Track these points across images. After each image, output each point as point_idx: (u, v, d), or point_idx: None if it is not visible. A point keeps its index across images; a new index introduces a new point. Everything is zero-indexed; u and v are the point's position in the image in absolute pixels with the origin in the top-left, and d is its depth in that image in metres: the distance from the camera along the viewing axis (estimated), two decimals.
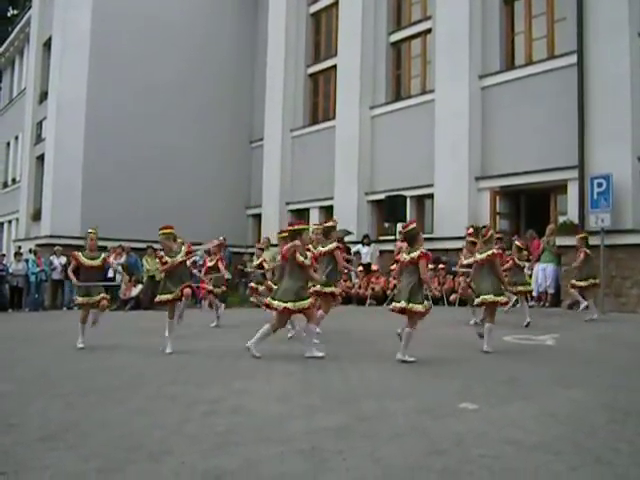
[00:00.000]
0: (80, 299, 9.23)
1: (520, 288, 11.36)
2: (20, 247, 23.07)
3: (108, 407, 5.31)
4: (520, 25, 18.11)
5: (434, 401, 5.32)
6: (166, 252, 8.71)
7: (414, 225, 7.84)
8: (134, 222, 21.89)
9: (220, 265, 12.02)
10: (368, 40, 21.76)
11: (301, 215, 24.45)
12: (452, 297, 15.60)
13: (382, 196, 19.91)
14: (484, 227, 9.68)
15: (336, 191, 22.14)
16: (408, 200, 18.92)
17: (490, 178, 17.71)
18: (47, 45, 26.61)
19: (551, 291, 14.96)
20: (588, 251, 12.25)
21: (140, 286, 18.49)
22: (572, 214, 15.45)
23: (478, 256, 8.64)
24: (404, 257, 7.59)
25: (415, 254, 7.42)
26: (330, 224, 9.71)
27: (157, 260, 9.13)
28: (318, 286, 8.80)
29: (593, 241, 14.40)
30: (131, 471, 3.63)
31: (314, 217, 23.63)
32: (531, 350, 8.49)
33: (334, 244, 9.23)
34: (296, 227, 8.21)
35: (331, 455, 3.85)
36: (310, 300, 7.95)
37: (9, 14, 39.79)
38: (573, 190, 15.55)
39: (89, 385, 6.35)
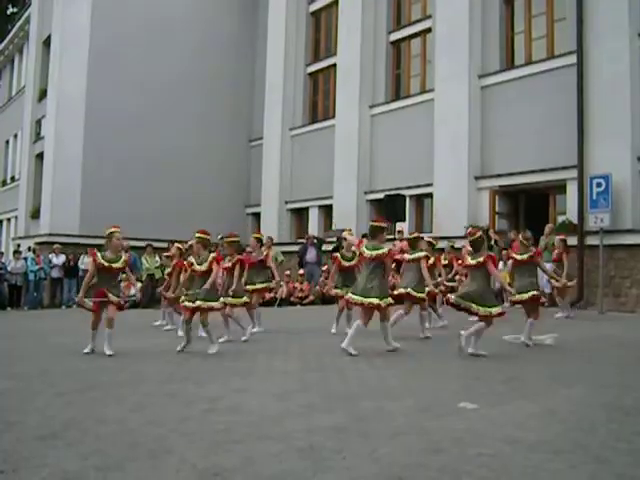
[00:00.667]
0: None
1: None
2: (19, 245, 23.08)
3: (107, 405, 5.30)
4: (520, 25, 18.12)
5: (433, 400, 5.31)
6: (193, 256, 8.62)
7: (480, 234, 8.23)
8: (133, 220, 21.84)
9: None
10: (368, 39, 21.76)
11: (300, 214, 24.48)
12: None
13: (381, 195, 19.89)
14: (473, 227, 9.86)
15: (335, 190, 22.14)
16: (407, 199, 18.92)
17: (489, 177, 17.72)
18: (46, 43, 26.61)
19: (548, 290, 14.92)
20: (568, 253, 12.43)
21: (139, 284, 18.45)
22: (571, 214, 15.46)
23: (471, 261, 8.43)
24: (470, 261, 8.07)
25: (481, 258, 7.89)
26: (416, 235, 10.08)
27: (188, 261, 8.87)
28: (409, 289, 9.36)
29: (592, 241, 14.44)
30: (130, 469, 3.63)
31: (313, 216, 23.65)
32: (530, 349, 8.49)
33: (423, 252, 9.60)
34: (376, 224, 8.43)
35: (330, 454, 3.85)
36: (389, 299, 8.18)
37: (9, 12, 39.79)
38: (572, 190, 15.56)
39: (88, 383, 6.34)
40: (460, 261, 10.08)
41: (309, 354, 8.07)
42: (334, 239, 20.11)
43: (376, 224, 8.39)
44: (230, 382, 6.10)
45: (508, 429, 4.38)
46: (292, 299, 17.91)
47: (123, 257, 8.51)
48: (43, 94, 26.41)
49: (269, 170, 25.21)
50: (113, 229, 8.26)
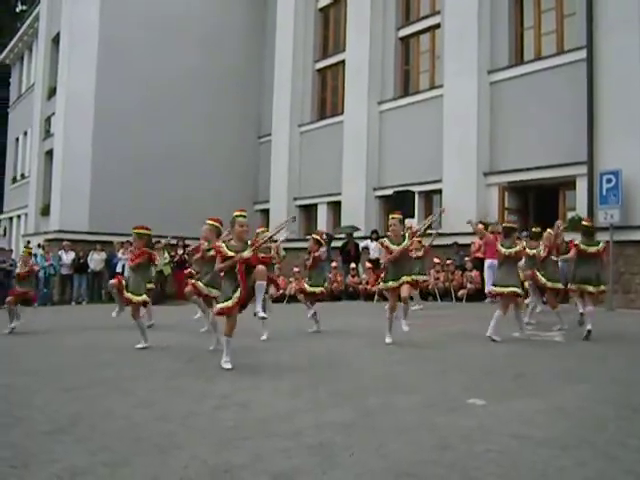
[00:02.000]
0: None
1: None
2: (29, 242, 23.15)
3: (115, 400, 5.33)
4: (529, 20, 18.04)
5: (441, 396, 5.31)
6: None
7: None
8: (142, 217, 21.82)
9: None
10: (376, 35, 21.72)
11: (309, 211, 24.49)
12: (460, 292, 15.60)
13: (390, 191, 19.87)
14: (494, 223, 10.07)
15: (344, 186, 22.13)
16: (416, 195, 18.89)
17: (498, 174, 17.67)
18: (55, 41, 26.68)
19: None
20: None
21: None
22: (581, 210, 15.39)
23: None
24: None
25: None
26: (511, 225, 9.75)
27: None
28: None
29: (602, 237, 14.35)
30: (139, 464, 3.65)
31: (322, 213, 23.65)
32: (539, 346, 8.46)
33: (519, 246, 9.31)
34: (510, 225, 9.49)
35: (339, 450, 3.86)
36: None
37: (18, 9, 39.89)
38: (582, 186, 15.49)
39: (96, 378, 6.37)
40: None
41: (318, 351, 8.08)
42: (343, 236, 20.14)
43: (510, 225, 9.55)
44: (239, 379, 6.11)
45: (516, 425, 4.37)
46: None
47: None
48: (52, 92, 26.48)
49: (278, 166, 25.22)
50: (238, 212, 7.52)
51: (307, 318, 10.02)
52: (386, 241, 8.78)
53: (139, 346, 8.32)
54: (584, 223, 9.66)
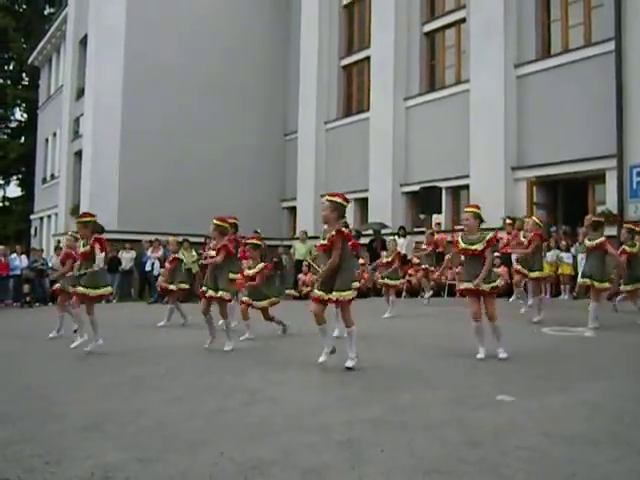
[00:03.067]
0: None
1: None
2: (59, 241, 23.41)
3: (146, 397, 5.39)
4: (556, 12, 17.85)
5: (470, 392, 5.29)
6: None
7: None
8: (170, 216, 22.12)
9: None
10: (401, 31, 21.64)
11: None
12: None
13: (417, 187, 19.80)
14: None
15: (371, 183, 22.10)
16: (443, 191, 18.79)
17: (526, 168, 17.52)
18: (83, 42, 26.93)
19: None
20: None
21: None
22: (611, 204, 15.22)
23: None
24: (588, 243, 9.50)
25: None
26: (599, 219, 9.90)
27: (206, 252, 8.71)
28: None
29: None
30: (170, 460, 3.68)
31: (349, 209, 23.55)
32: (569, 342, 8.38)
33: (603, 238, 9.47)
34: (597, 219, 9.70)
35: (368, 446, 3.86)
36: None
37: (46, 12, 40.31)
38: (612, 179, 15.32)
39: (127, 375, 6.45)
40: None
41: (346, 347, 8.05)
42: (370, 232, 20.11)
43: (598, 219, 9.78)
44: (268, 374, 6.14)
45: (546, 422, 4.34)
46: None
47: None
48: (81, 93, 26.77)
49: (304, 164, 25.24)
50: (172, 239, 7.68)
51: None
52: (458, 237, 7.41)
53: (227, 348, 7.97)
54: (629, 226, 10.24)
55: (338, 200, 6.50)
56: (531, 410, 4.68)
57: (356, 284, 6.57)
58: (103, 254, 8.10)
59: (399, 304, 12.44)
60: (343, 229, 6.36)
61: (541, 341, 8.40)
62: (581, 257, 14.49)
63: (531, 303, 11.15)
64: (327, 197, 6.60)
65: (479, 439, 3.96)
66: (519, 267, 10.81)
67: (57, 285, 10.29)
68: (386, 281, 12.23)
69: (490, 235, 7.13)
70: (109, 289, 8.42)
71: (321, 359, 6.46)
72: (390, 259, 12.33)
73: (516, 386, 5.51)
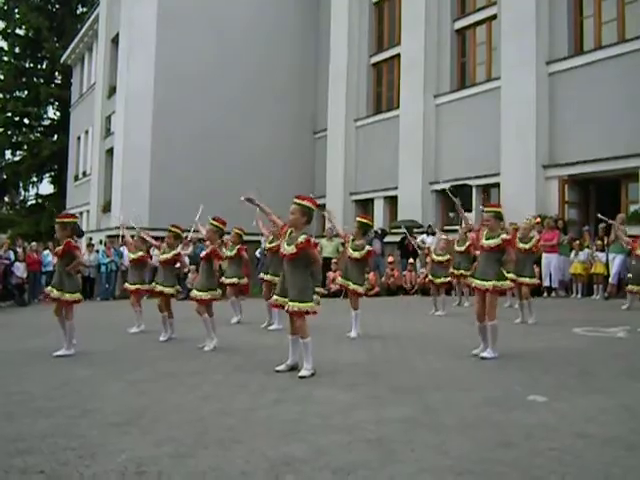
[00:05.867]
0: None
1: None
2: (91, 238, 23.71)
3: (179, 393, 5.44)
4: (589, 8, 17.63)
5: (501, 393, 5.26)
6: (211, 242, 8.44)
7: None
8: (201, 214, 22.21)
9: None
10: (432, 28, 21.53)
11: (365, 205, 24.44)
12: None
13: (447, 186, 19.68)
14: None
15: (400, 181, 22.03)
16: (474, 189, 18.67)
17: (558, 166, 17.34)
18: (115, 41, 27.21)
19: (613, 282, 14.41)
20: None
21: None
22: None
23: None
24: None
25: None
26: None
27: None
28: None
29: None
30: (202, 456, 3.71)
31: (378, 207, 23.58)
32: (602, 342, 8.29)
33: None
34: None
35: (399, 446, 3.86)
36: None
37: (78, 12, 40.76)
38: None
39: (160, 371, 6.53)
40: None
41: (376, 346, 8.08)
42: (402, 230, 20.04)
43: None
44: (297, 372, 6.14)
45: (580, 423, 4.30)
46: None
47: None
48: (112, 91, 27.05)
49: (334, 161, 25.24)
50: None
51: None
52: (483, 234, 7.36)
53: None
54: None
55: (307, 204, 6.31)
56: (563, 411, 4.64)
57: (317, 297, 6.35)
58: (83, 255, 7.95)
59: (435, 304, 12.38)
60: (310, 238, 6.19)
61: (572, 341, 8.32)
62: (612, 257, 14.34)
63: (517, 306, 10.89)
64: (296, 201, 6.31)
65: (511, 440, 3.93)
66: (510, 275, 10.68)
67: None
68: (442, 280, 12.27)
69: (505, 236, 7.11)
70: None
71: (279, 367, 6.32)
72: (446, 258, 12.36)
73: (547, 387, 5.46)
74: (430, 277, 12.60)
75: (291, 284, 6.19)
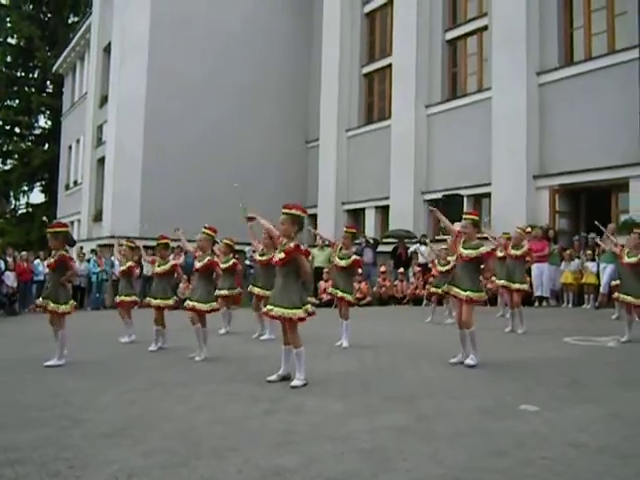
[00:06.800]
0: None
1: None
2: (82, 248, 23.61)
3: (170, 403, 5.42)
4: (579, 20, 17.77)
5: (493, 402, 5.26)
6: (203, 251, 8.40)
7: None
8: (192, 222, 22.09)
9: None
10: (423, 39, 21.65)
11: (357, 215, 24.48)
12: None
13: (439, 195, 19.76)
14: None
15: (392, 190, 22.08)
16: (465, 199, 18.73)
17: (549, 176, 17.42)
18: (107, 50, 27.24)
19: (604, 291, 14.42)
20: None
21: None
22: (634, 212, 15.07)
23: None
24: None
25: None
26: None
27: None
28: None
29: None
30: (194, 467, 3.70)
31: (370, 217, 23.62)
32: (593, 352, 8.32)
33: None
34: None
35: (392, 454, 3.86)
36: None
37: (70, 21, 40.79)
38: (635, 188, 15.21)
39: (151, 381, 6.50)
40: None
41: (368, 355, 8.07)
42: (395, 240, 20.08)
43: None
44: (289, 383, 6.13)
45: (572, 433, 4.31)
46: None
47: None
48: (104, 100, 27.04)
49: (325, 171, 25.29)
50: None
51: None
52: (460, 243, 7.34)
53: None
54: None
55: (297, 212, 6.29)
56: (555, 420, 4.65)
57: (308, 307, 6.21)
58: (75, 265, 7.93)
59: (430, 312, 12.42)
60: (300, 244, 6.18)
61: (563, 351, 8.34)
62: (602, 267, 14.38)
63: (509, 315, 10.96)
64: (285, 210, 6.26)
65: (503, 449, 3.94)
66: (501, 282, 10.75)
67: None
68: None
69: (485, 248, 7.18)
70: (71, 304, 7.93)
71: (271, 377, 6.29)
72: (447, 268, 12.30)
73: (539, 396, 5.47)
74: (434, 289, 12.48)
75: (280, 290, 6.18)
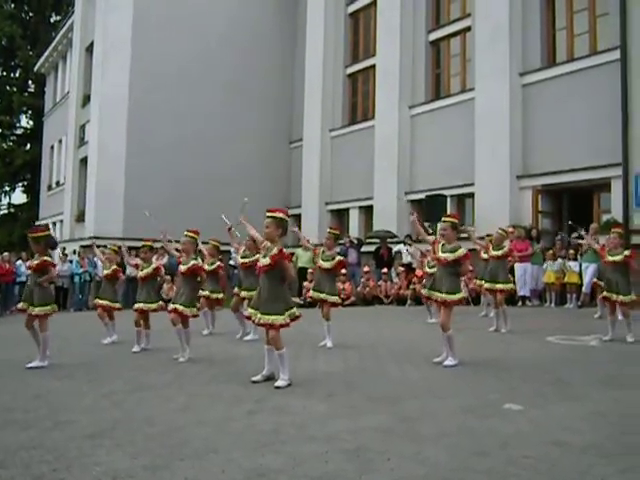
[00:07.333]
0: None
1: None
2: (65, 248, 23.45)
3: (153, 404, 5.40)
4: (561, 21, 17.88)
5: (477, 401, 5.28)
6: (187, 254, 8.37)
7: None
8: (176, 224, 22.04)
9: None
10: (407, 39, 21.69)
11: (341, 215, 24.49)
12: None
13: (422, 195, 19.81)
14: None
15: (376, 191, 22.10)
16: (448, 199, 18.79)
17: (532, 177, 17.51)
18: (89, 50, 27.08)
19: (586, 291, 14.51)
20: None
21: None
22: (616, 212, 15.19)
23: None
24: None
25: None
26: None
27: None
28: None
29: (638, 240, 14.15)
30: (178, 468, 3.68)
31: (354, 217, 23.63)
32: (575, 351, 8.37)
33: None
34: None
35: (375, 455, 3.86)
36: None
37: (52, 20, 40.53)
38: (617, 188, 15.30)
39: (134, 382, 6.47)
40: None
41: (352, 355, 8.08)
42: (377, 240, 20.11)
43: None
44: (273, 383, 6.12)
45: (555, 432, 4.33)
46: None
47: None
48: (87, 100, 26.87)
49: (309, 171, 25.28)
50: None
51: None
52: (439, 245, 7.45)
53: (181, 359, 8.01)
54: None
55: (281, 216, 6.31)
56: (539, 419, 4.67)
57: (294, 311, 6.22)
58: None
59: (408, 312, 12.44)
60: (283, 249, 6.18)
61: (546, 350, 8.39)
62: (585, 266, 14.47)
63: (492, 315, 11.04)
64: (268, 214, 6.28)
65: (487, 448, 3.95)
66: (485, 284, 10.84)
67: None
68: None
69: (463, 251, 7.22)
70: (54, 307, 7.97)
71: (255, 378, 6.28)
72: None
73: (523, 395, 5.49)
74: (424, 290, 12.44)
75: (264, 296, 6.17)
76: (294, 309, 6.24)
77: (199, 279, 8.54)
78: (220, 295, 10.98)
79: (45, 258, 7.72)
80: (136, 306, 9.11)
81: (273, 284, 6.17)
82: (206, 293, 10.66)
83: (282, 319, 6.08)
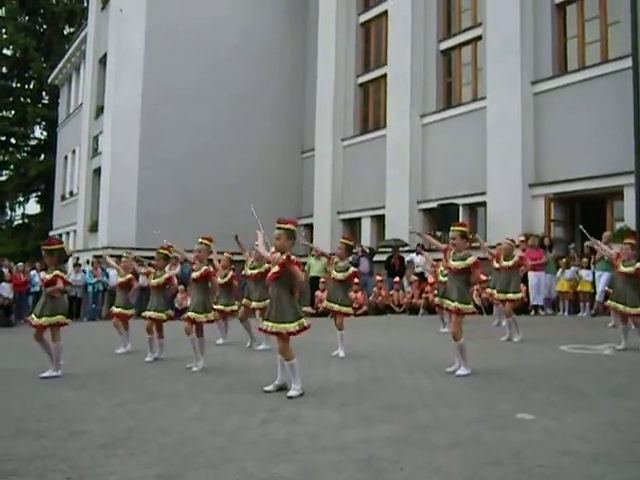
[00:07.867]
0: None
1: None
2: (78, 258, 23.59)
3: (167, 413, 5.43)
4: (573, 29, 17.87)
5: (490, 411, 5.28)
6: (200, 262, 8.43)
7: None
8: (188, 234, 22.12)
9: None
10: (418, 48, 21.74)
11: (353, 225, 24.50)
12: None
13: (434, 204, 19.81)
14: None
15: (387, 200, 22.11)
16: (460, 208, 18.77)
17: (544, 185, 17.47)
18: (102, 61, 27.28)
19: (600, 299, 14.41)
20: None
21: None
22: (629, 220, 15.12)
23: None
24: None
25: None
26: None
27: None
28: None
29: None
30: (191, 477, 3.71)
31: (366, 226, 23.64)
32: (588, 360, 8.33)
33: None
34: None
35: (388, 464, 3.87)
36: None
37: (65, 32, 40.89)
38: (630, 196, 15.22)
39: (148, 392, 6.50)
40: None
41: (364, 364, 8.08)
42: (389, 249, 20.09)
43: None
44: (286, 392, 6.13)
45: (567, 441, 4.32)
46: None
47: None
48: (100, 111, 27.07)
49: (321, 181, 25.32)
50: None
51: None
52: (450, 255, 7.42)
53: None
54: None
55: (291, 227, 6.31)
56: (551, 429, 4.66)
57: (303, 321, 6.18)
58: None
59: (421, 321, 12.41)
60: (292, 256, 6.17)
61: (559, 359, 8.36)
62: (598, 274, 14.39)
63: (504, 324, 11.02)
64: (279, 225, 6.26)
65: (500, 458, 3.95)
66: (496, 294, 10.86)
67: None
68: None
69: (472, 259, 7.21)
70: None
71: (267, 387, 6.31)
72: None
73: (535, 404, 5.48)
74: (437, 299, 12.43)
75: (274, 305, 6.20)
76: (303, 319, 6.25)
77: (210, 285, 8.53)
78: (234, 307, 11.00)
79: (57, 272, 7.79)
80: (146, 314, 9.19)
81: (283, 293, 6.18)
82: (220, 307, 10.63)
83: (291, 327, 6.09)
